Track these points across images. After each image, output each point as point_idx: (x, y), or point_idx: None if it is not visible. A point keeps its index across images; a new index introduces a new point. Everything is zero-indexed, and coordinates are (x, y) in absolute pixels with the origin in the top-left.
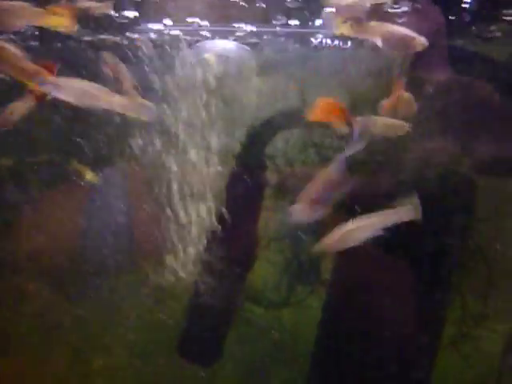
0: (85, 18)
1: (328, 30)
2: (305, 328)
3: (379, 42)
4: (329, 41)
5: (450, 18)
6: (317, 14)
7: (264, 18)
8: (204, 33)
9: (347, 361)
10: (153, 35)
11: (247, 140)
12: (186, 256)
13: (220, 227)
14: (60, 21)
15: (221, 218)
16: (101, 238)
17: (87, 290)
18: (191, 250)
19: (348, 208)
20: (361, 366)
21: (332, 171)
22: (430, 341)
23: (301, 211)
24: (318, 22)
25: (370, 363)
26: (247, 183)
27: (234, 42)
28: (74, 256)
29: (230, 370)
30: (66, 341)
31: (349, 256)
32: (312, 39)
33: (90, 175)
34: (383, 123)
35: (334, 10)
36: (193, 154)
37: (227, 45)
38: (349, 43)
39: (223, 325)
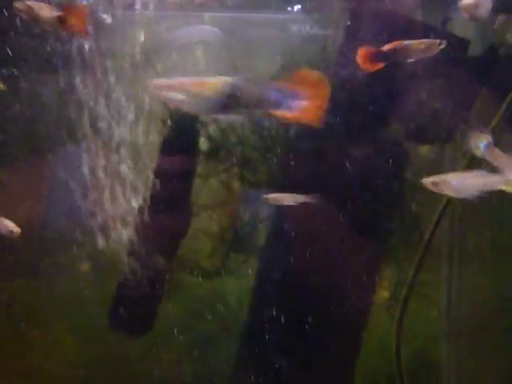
0: None
1: None
2: (244, 297)
3: None
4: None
5: None
6: None
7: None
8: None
9: (278, 328)
10: None
11: None
12: (120, 229)
13: (153, 195)
14: None
15: (154, 187)
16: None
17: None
18: (127, 222)
19: None
20: (292, 332)
21: None
22: (362, 304)
23: None
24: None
25: (302, 329)
26: (180, 150)
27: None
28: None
29: (175, 341)
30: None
31: (283, 223)
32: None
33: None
34: None
35: None
36: (131, 123)
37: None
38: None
39: (155, 295)
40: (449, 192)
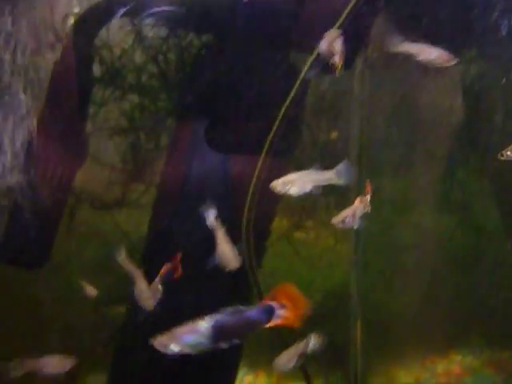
0: None
1: None
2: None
3: None
4: None
5: None
6: None
7: None
8: None
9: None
10: None
11: (75, 29)
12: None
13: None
14: None
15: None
16: None
17: None
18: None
19: None
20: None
21: None
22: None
23: None
24: None
25: (199, 257)
26: (75, 74)
27: None
28: None
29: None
30: None
31: (180, 155)
32: None
33: None
34: None
35: None
36: None
37: None
38: None
39: (50, 225)
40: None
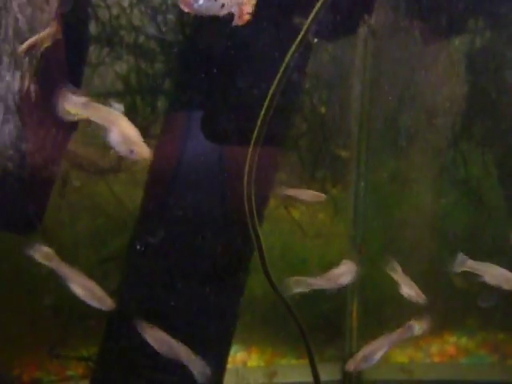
0: None
1: None
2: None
3: None
4: None
5: None
6: None
7: None
8: None
9: (170, 218)
10: None
11: None
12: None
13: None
14: None
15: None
16: None
17: None
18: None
19: None
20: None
21: None
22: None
23: None
24: None
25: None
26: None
27: None
28: None
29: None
30: None
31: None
32: None
33: None
34: None
35: None
36: None
37: None
38: None
39: (41, 192)
40: None
